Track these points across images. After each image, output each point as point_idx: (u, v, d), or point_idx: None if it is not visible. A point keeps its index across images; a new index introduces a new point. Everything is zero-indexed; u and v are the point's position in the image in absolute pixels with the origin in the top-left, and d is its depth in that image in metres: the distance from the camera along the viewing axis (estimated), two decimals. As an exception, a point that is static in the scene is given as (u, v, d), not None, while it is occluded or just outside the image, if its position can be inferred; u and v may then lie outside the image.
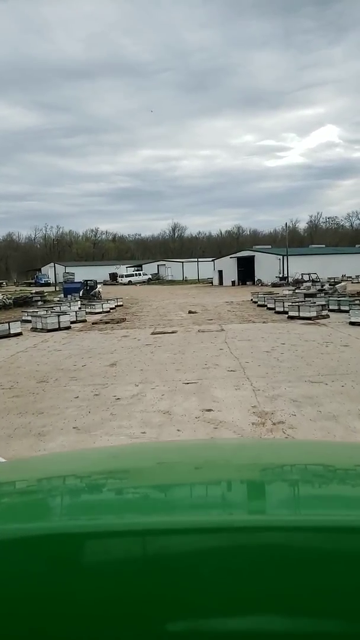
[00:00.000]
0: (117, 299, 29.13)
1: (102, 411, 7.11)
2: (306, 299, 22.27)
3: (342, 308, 19.49)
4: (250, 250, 58.34)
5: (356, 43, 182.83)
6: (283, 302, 20.46)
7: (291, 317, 17.99)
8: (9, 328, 16.51)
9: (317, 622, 0.60)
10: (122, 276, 69.56)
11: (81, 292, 32.79)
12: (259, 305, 24.24)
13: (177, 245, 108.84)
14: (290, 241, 54.30)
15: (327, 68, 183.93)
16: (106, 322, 19.57)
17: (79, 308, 25.08)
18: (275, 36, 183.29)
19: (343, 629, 0.59)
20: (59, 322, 17.86)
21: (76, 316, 20.33)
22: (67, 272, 60.43)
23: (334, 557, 0.68)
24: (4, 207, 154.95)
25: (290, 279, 45.39)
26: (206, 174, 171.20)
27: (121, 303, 28.76)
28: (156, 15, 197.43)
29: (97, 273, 72.73)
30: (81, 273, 59.33)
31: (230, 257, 56.97)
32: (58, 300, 32.49)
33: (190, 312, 22.39)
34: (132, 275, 70.00)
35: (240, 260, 54.93)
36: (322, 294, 24.89)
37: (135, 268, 75.89)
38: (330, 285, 34.93)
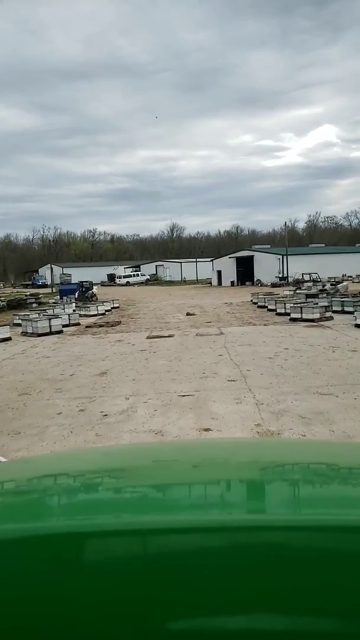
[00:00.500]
0: (113, 300, 28.33)
1: (87, 431, 6.31)
2: (308, 299, 21.50)
3: (346, 309, 18.71)
4: (250, 250, 57.53)
5: (353, 42, 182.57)
6: (284, 304, 19.68)
7: (293, 319, 17.20)
8: (-3, 333, 15.72)
9: (317, 621, 0.60)
10: (120, 277, 68.69)
11: (77, 294, 31.94)
12: (259, 307, 23.45)
13: (176, 246, 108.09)
14: (289, 241, 53.52)
15: (324, 68, 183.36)
16: (100, 326, 18.77)
17: (73, 310, 24.34)
18: (272, 36, 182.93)
19: (342, 628, 0.59)
20: (50, 326, 17.05)
21: (69, 319, 19.51)
22: (64, 274, 59.47)
23: (333, 557, 0.68)
24: (2, 208, 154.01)
25: (290, 279, 44.62)
26: (204, 174, 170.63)
27: (117, 305, 27.97)
28: (153, 15, 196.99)
29: (95, 274, 72.04)
30: (79, 274, 58.40)
31: (229, 257, 56.17)
32: (53, 302, 31.70)
33: (188, 314, 21.59)
34: (130, 276, 69.15)
35: (239, 260, 54.13)
36: (324, 295, 24.10)
37: (133, 269, 75.05)
38: (331, 285, 34.19)
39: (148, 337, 14.95)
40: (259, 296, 25.49)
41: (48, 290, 55.04)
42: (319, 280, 40.68)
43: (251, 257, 53.25)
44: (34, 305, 31.76)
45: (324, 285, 34.18)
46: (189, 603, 0.62)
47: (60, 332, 17.24)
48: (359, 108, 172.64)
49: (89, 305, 24.77)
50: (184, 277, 68.41)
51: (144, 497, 1.02)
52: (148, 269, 74.77)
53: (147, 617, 0.60)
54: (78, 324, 19.60)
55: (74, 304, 26.30)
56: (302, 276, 42.22)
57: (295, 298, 22.90)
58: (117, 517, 0.85)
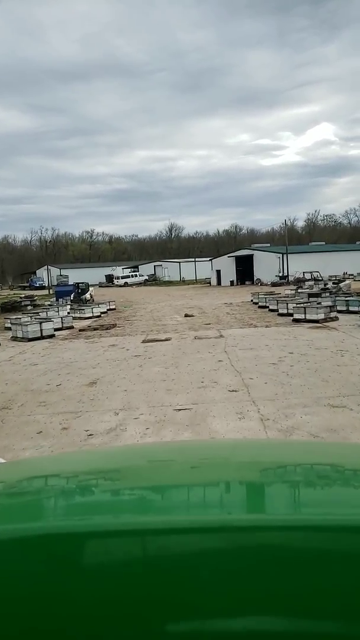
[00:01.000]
0: (109, 302, 27.51)
1: (67, 455, 5.49)
2: (311, 299, 20.69)
3: (352, 309, 17.94)
4: (249, 249, 56.68)
5: (350, 41, 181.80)
6: (287, 304, 18.87)
7: (296, 320, 16.39)
8: (-15, 338, 14.92)
9: (317, 622, 0.60)
10: (118, 278, 67.82)
11: (72, 296, 31.12)
12: (260, 307, 22.65)
13: (175, 246, 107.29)
14: (289, 239, 52.67)
15: (321, 66, 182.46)
16: (94, 329, 17.96)
17: (67, 313, 23.53)
18: (270, 35, 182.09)
19: (343, 629, 0.59)
20: (41, 330, 16.24)
21: (62, 323, 18.70)
22: (61, 275, 58.65)
23: (333, 557, 0.68)
24: (1, 210, 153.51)
25: (290, 278, 43.80)
26: (202, 174, 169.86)
27: (114, 307, 27.15)
28: (150, 15, 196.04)
29: (93, 275, 71.21)
30: (77, 275, 57.63)
31: (229, 257, 55.35)
32: (49, 305, 30.89)
33: (186, 315, 20.78)
34: (128, 276, 68.26)
35: (239, 260, 53.30)
36: (327, 294, 23.29)
37: (132, 269, 74.18)
38: (333, 283, 33.39)
39: (144, 341, 14.15)
40: (260, 296, 24.68)
41: (45, 292, 54.19)
42: (320, 278, 39.85)
43: (251, 256, 52.42)
44: (29, 307, 30.98)
45: (325, 284, 33.39)
46: (189, 604, 0.61)
47: (52, 336, 16.43)
48: (357, 106, 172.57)
49: (83, 308, 23.92)
50: (183, 277, 67.58)
51: (144, 497, 1.02)
52: (146, 270, 73.91)
53: (147, 618, 0.60)
54: (71, 328, 18.79)
55: (68, 307, 25.48)
56: (303, 275, 41.39)
57: (297, 298, 22.10)
58: (117, 518, 0.85)
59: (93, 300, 31.06)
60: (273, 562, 0.66)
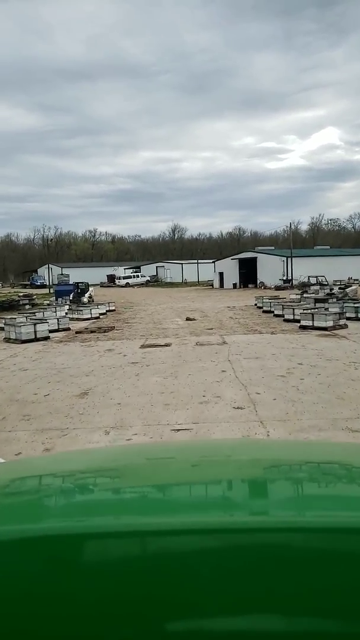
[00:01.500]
0: (109, 303, 26.76)
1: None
2: (317, 305, 19.89)
3: (361, 316, 17.14)
4: (253, 251, 55.89)
5: (357, 45, 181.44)
6: (293, 309, 18.07)
7: (304, 327, 15.60)
8: (-25, 339, 14.17)
9: (317, 622, 0.60)
10: (119, 278, 67.05)
11: (71, 296, 30.35)
12: (265, 312, 21.87)
13: (177, 247, 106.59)
14: (293, 243, 51.91)
15: (328, 70, 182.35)
16: (91, 331, 17.19)
17: (65, 314, 22.77)
18: (276, 38, 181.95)
19: (342, 629, 0.59)
20: (35, 332, 15.48)
21: (58, 324, 17.92)
22: (62, 274, 57.90)
23: (333, 558, 0.68)
24: (4, 208, 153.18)
25: (295, 282, 42.99)
26: (207, 176, 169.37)
27: (113, 308, 26.40)
28: (157, 16, 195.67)
29: (95, 274, 70.58)
30: (78, 274, 56.95)
31: (232, 259, 54.54)
32: (48, 304, 30.18)
33: (188, 319, 20.00)
34: (129, 277, 67.44)
35: (242, 262, 52.49)
36: (334, 299, 22.48)
37: (134, 270, 73.34)
38: (339, 288, 32.57)
39: (142, 346, 13.37)
40: (264, 300, 23.90)
41: (46, 290, 53.49)
42: (326, 283, 39.01)
43: (254, 259, 51.61)
44: (27, 307, 30.24)
45: (331, 289, 32.56)
46: (189, 604, 0.61)
47: (46, 338, 15.66)
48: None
49: (81, 309, 23.14)
50: (185, 279, 66.82)
51: (144, 498, 1.01)
52: (148, 270, 73.14)
53: (147, 618, 0.60)
54: (68, 329, 18.02)
55: (66, 307, 24.73)
56: (309, 279, 40.55)
57: (303, 303, 21.30)
58: (117, 518, 0.85)
59: (93, 301, 30.32)
60: (273, 563, 0.65)
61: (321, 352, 11.34)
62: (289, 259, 46.86)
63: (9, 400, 8.11)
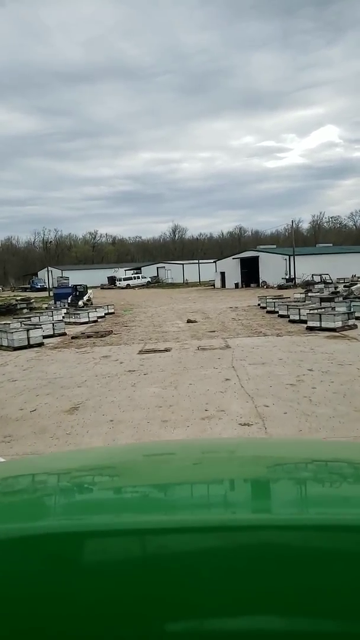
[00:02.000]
0: (107, 306, 26.00)
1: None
2: (323, 304, 19.09)
3: (371, 315, 16.32)
4: (254, 250, 55.02)
5: (355, 42, 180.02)
6: (299, 309, 17.27)
7: (311, 328, 14.79)
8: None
9: (317, 621, 0.59)
10: (120, 279, 66.23)
11: (70, 299, 29.57)
12: (269, 312, 21.06)
13: (178, 247, 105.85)
14: (295, 241, 51.03)
15: (326, 68, 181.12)
16: (88, 336, 16.42)
17: (62, 317, 22.03)
18: (274, 37, 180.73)
19: (343, 629, 0.59)
20: (28, 338, 14.72)
21: (53, 329, 17.16)
22: (61, 277, 57.17)
23: (333, 556, 0.67)
24: (5, 212, 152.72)
25: (298, 281, 42.14)
26: (206, 176, 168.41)
27: (112, 310, 25.63)
28: (155, 17, 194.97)
29: (96, 276, 69.86)
30: (79, 277, 56.27)
31: (233, 258, 53.69)
32: (46, 308, 29.47)
33: (189, 321, 19.21)
34: (130, 278, 66.56)
35: (244, 261, 51.64)
36: (341, 298, 21.66)
37: (134, 271, 72.47)
38: (344, 287, 31.75)
39: (140, 352, 12.60)
40: (268, 300, 23.10)
41: (46, 294, 52.79)
42: (330, 281, 38.16)
43: (256, 258, 50.76)
44: (25, 310, 29.55)
45: (336, 288, 31.73)
46: (189, 603, 0.61)
47: (40, 344, 14.90)
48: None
49: (78, 312, 22.36)
50: (186, 279, 65.99)
51: (143, 496, 1.01)
52: (149, 271, 72.30)
53: (147, 617, 0.59)
54: (64, 334, 17.26)
55: (63, 311, 23.98)
56: (312, 277, 39.70)
57: (309, 302, 20.50)
58: (117, 517, 0.84)
59: (92, 304, 29.56)
60: (273, 561, 0.65)
61: (332, 356, 10.55)
62: (292, 258, 46.02)
63: (-8, 417, 7.35)
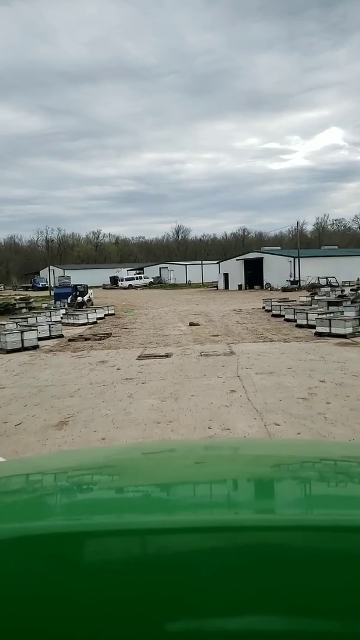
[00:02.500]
0: (108, 307, 25.31)
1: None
2: (330, 308, 18.35)
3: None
4: (259, 252, 54.20)
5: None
6: (306, 313, 16.53)
7: (320, 334, 14.05)
8: None
9: (317, 621, 0.59)
10: (122, 280, 65.55)
11: (69, 299, 28.86)
12: (274, 315, 20.32)
13: (181, 248, 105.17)
14: (299, 243, 50.24)
15: (331, 70, 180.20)
16: (86, 339, 15.72)
17: (61, 318, 21.34)
18: (279, 39, 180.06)
19: (343, 629, 0.58)
20: (22, 341, 14.02)
21: (50, 331, 16.47)
22: (62, 276, 56.52)
23: (334, 557, 0.67)
24: (9, 211, 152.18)
25: (302, 283, 41.35)
26: (210, 177, 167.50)
27: (113, 311, 24.94)
28: (160, 18, 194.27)
29: (98, 276, 69.23)
30: (81, 276, 55.68)
31: (237, 260, 52.92)
32: (46, 307, 28.80)
33: (191, 324, 18.50)
34: (132, 278, 65.85)
35: (248, 263, 50.86)
36: (348, 302, 20.90)
37: (137, 271, 71.80)
38: (351, 290, 31.00)
39: (139, 357, 11.89)
40: (273, 303, 22.35)
41: (47, 293, 52.16)
42: (337, 284, 37.37)
43: (260, 260, 49.96)
44: (24, 310, 28.87)
45: (342, 291, 30.98)
46: (189, 603, 0.60)
47: (35, 347, 14.21)
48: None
49: (77, 313, 21.64)
50: (189, 280, 65.29)
51: (144, 496, 1.01)
52: (152, 272, 71.61)
53: (148, 618, 0.59)
54: (61, 337, 16.56)
55: (62, 311, 23.28)
56: (318, 280, 38.91)
57: (316, 306, 19.75)
58: (117, 517, 0.84)
59: (92, 304, 28.87)
60: (274, 562, 0.65)
61: (344, 366, 9.81)
62: (296, 260, 45.24)
63: (-28, 431, 6.65)
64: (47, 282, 66.15)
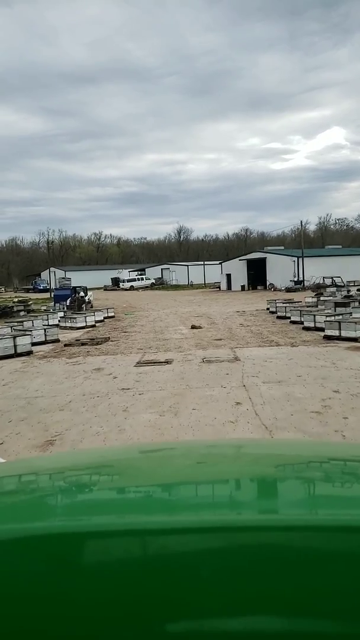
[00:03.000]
0: (107, 309, 24.61)
1: None
2: (338, 309, 17.59)
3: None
4: (262, 251, 53.46)
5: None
6: (314, 315, 15.78)
7: (328, 338, 13.30)
8: None
9: (317, 622, 0.59)
10: (123, 281, 64.84)
11: (68, 301, 28.15)
12: (279, 317, 19.57)
13: (183, 249, 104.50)
14: (302, 243, 49.47)
15: (332, 70, 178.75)
16: (83, 344, 15.00)
17: (58, 321, 20.66)
18: (281, 39, 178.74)
19: (343, 629, 0.58)
20: (15, 346, 13.32)
21: (45, 335, 15.76)
22: (63, 277, 55.92)
23: (333, 557, 0.67)
24: (11, 212, 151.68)
25: (306, 283, 40.57)
26: (212, 178, 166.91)
27: (112, 314, 24.23)
28: (161, 19, 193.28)
29: (100, 278, 68.59)
30: (83, 278, 55.08)
31: (240, 260, 52.17)
32: (45, 310, 28.12)
33: (193, 327, 17.77)
34: (134, 279, 65.12)
35: (251, 263, 50.09)
36: (357, 303, 20.13)
37: (138, 272, 71.06)
38: (358, 290, 30.21)
39: (138, 364, 11.16)
40: (277, 304, 21.61)
41: (47, 295, 51.54)
42: (342, 284, 36.56)
43: (263, 260, 49.21)
44: (22, 313, 28.20)
45: (349, 291, 30.20)
46: (189, 604, 0.60)
47: (29, 353, 13.51)
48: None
49: (75, 317, 20.93)
50: (191, 281, 64.59)
51: (144, 497, 1.00)
52: (154, 273, 70.89)
53: (148, 618, 0.59)
54: (57, 341, 15.86)
55: (59, 315, 22.57)
56: (323, 280, 38.11)
57: (322, 307, 19.00)
58: (118, 518, 0.84)
59: (92, 306, 28.18)
60: (274, 562, 0.65)
61: (359, 374, 9.06)
62: (300, 259, 44.45)
63: None
64: (48, 284, 65.70)
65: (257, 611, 0.59)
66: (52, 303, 31.66)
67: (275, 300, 23.07)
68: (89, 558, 0.69)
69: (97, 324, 20.61)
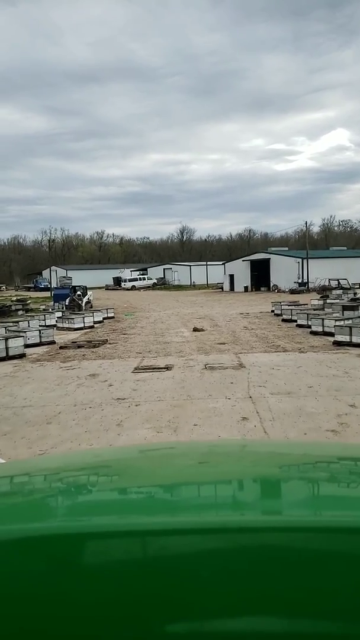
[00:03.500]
0: (107, 309, 23.91)
1: None
2: (345, 312, 16.85)
3: None
4: (266, 252, 52.66)
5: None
6: (322, 319, 15.04)
7: (338, 343, 12.57)
8: None
9: (317, 623, 0.59)
10: (125, 280, 64.14)
11: (67, 301, 27.45)
12: (285, 320, 18.84)
13: (186, 249, 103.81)
14: (305, 244, 48.68)
15: (337, 71, 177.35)
16: (79, 346, 14.30)
17: (55, 322, 19.97)
18: (285, 40, 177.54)
19: (343, 630, 0.59)
20: (6, 349, 12.62)
21: (40, 337, 15.07)
22: (64, 276, 55.27)
23: (333, 558, 0.67)
24: (15, 211, 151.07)
25: (311, 285, 39.80)
26: (215, 178, 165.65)
27: (112, 314, 23.53)
28: (165, 19, 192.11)
29: (102, 277, 67.95)
30: (84, 277, 54.47)
31: (243, 260, 51.40)
32: (43, 309, 27.47)
33: (195, 329, 17.05)
34: (135, 279, 64.44)
35: (254, 264, 49.33)
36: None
37: (140, 272, 70.35)
38: (364, 293, 29.41)
39: (136, 369, 10.46)
40: (283, 306, 20.89)
41: (48, 294, 50.93)
42: (348, 286, 35.77)
43: (267, 260, 48.42)
44: (20, 312, 27.56)
45: (355, 293, 29.44)
46: (190, 604, 0.60)
47: (21, 356, 12.82)
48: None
49: (73, 317, 20.23)
50: (194, 282, 63.79)
51: (145, 498, 1.00)
52: (156, 272, 70.17)
53: (149, 619, 0.59)
54: (52, 343, 15.17)
55: (57, 315, 21.88)
56: (329, 282, 37.33)
57: (329, 310, 18.26)
58: (118, 518, 0.84)
59: (91, 306, 27.48)
60: (275, 563, 0.65)
61: (375, 384, 8.34)
62: (305, 261, 43.69)
63: None
64: (49, 282, 65.10)
65: (258, 612, 0.59)
66: (52, 302, 31.01)
67: (280, 302, 22.36)
68: (89, 559, 0.68)
69: (95, 325, 19.92)
